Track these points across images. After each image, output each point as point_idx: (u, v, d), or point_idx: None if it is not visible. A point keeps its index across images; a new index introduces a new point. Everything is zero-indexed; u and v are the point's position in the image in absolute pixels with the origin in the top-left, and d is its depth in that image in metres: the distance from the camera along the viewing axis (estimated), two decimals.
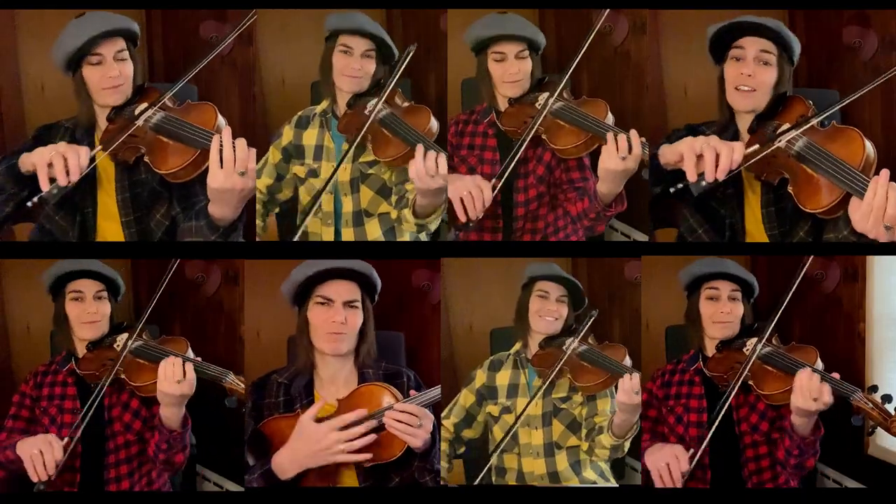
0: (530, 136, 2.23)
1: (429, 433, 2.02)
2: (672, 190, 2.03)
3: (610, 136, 2.09)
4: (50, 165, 2.04)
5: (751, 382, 2.16)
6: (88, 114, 2.18)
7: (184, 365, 2.08)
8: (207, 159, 2.02)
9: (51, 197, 2.06)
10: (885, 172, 1.89)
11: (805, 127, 2.01)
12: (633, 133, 2.08)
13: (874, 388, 2.05)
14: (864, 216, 1.88)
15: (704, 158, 1.99)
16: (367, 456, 2.02)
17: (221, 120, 2.09)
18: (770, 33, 2.10)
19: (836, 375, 2.07)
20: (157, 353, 2.15)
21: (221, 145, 2.00)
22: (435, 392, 2.06)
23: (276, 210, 2.44)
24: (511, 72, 2.30)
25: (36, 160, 2.06)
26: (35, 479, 2.09)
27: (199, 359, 2.15)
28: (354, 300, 2.13)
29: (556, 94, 2.23)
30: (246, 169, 2.00)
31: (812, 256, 2.15)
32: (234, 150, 1.99)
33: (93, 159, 2.08)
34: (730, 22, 2.10)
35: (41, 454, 2.09)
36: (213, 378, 2.12)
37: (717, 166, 1.99)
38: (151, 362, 2.15)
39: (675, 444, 2.19)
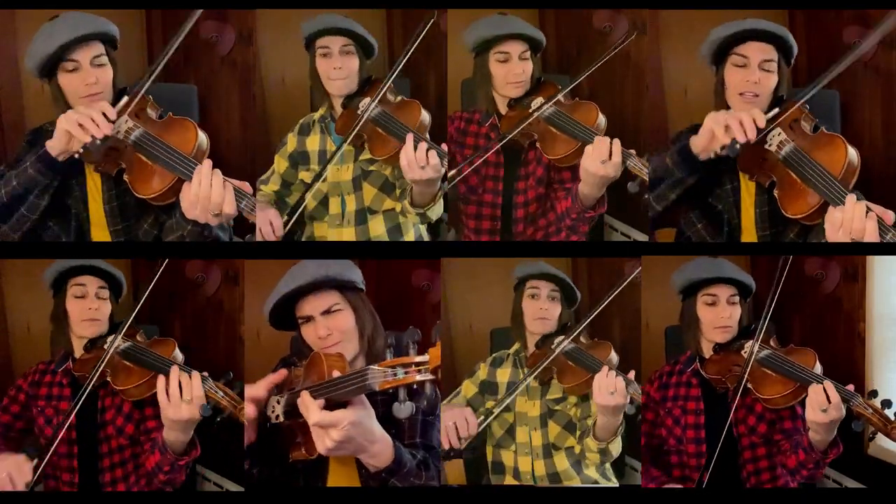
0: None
1: (335, 441, 1.79)
2: (714, 155, 2.09)
3: (597, 139, 2.13)
4: (81, 126, 1.99)
5: (749, 385, 2.15)
6: None
7: (190, 380, 2.01)
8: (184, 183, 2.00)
9: (94, 147, 2.01)
10: (851, 196, 1.95)
11: (798, 127, 2.07)
12: (616, 141, 2.11)
13: (874, 393, 2.05)
14: (834, 229, 1.95)
15: (731, 127, 2.05)
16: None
17: (202, 138, 2.05)
18: (775, 39, 2.12)
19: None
20: (143, 355, 2.12)
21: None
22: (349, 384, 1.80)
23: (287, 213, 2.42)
24: (515, 72, 2.30)
25: (66, 127, 2.00)
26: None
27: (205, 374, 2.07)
28: (332, 306, 2.06)
29: (551, 102, 2.26)
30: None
31: (791, 257, 2.15)
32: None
33: (120, 112, 2.05)
34: (737, 30, 2.11)
35: (9, 478, 2.06)
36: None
37: (745, 130, 2.05)
38: (138, 365, 2.12)
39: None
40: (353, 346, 2.07)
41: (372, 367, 1.77)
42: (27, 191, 2.07)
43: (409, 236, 2.35)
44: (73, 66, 2.05)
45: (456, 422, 2.20)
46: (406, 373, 1.75)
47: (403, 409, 1.77)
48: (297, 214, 2.23)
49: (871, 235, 1.91)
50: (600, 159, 2.10)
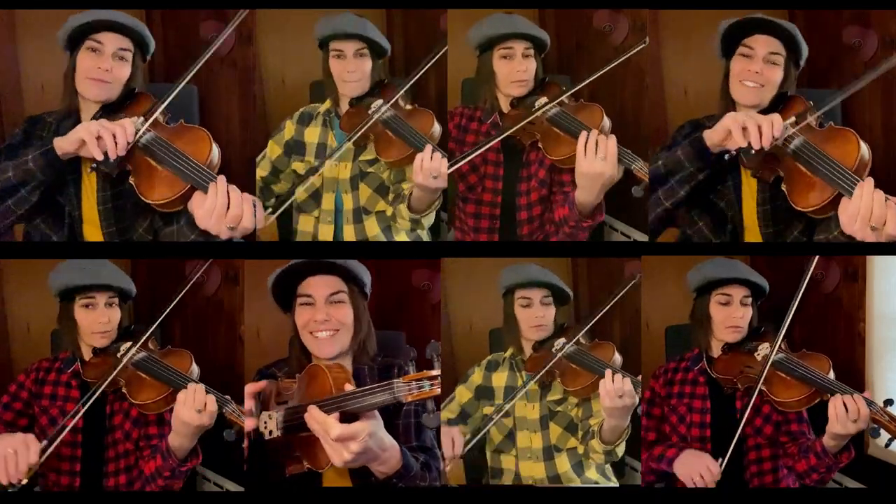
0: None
1: (353, 454, 1.81)
2: (726, 157, 2.07)
3: (582, 136, 2.11)
4: (99, 138, 2.01)
5: (762, 387, 2.15)
6: (70, 102, 2.13)
7: (205, 395, 2.01)
8: (195, 192, 2.01)
9: (108, 165, 2.03)
10: (869, 179, 1.94)
11: (803, 123, 2.05)
12: (612, 138, 2.10)
13: (890, 402, 2.07)
14: (852, 218, 1.93)
15: (749, 130, 2.03)
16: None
17: (215, 150, 2.06)
18: (782, 33, 2.12)
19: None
20: (159, 369, 2.12)
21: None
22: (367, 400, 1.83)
23: (272, 201, 2.41)
24: (518, 69, 2.30)
25: (84, 136, 2.01)
26: (3, 482, 1.99)
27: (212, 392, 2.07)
28: (337, 293, 2.08)
29: (555, 101, 2.25)
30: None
31: (817, 258, 2.15)
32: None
33: (138, 131, 2.06)
34: (744, 18, 2.13)
35: (15, 454, 2.00)
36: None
37: (761, 136, 2.03)
38: (153, 378, 2.12)
39: (704, 454, 2.17)
40: (345, 342, 2.09)
41: (396, 380, 1.83)
42: (21, 184, 2.07)
43: (401, 237, 2.35)
44: (95, 45, 2.08)
45: (442, 441, 2.19)
46: (432, 385, 1.82)
47: (433, 418, 1.83)
48: (284, 206, 2.22)
49: (893, 222, 1.90)
50: (600, 156, 2.09)
